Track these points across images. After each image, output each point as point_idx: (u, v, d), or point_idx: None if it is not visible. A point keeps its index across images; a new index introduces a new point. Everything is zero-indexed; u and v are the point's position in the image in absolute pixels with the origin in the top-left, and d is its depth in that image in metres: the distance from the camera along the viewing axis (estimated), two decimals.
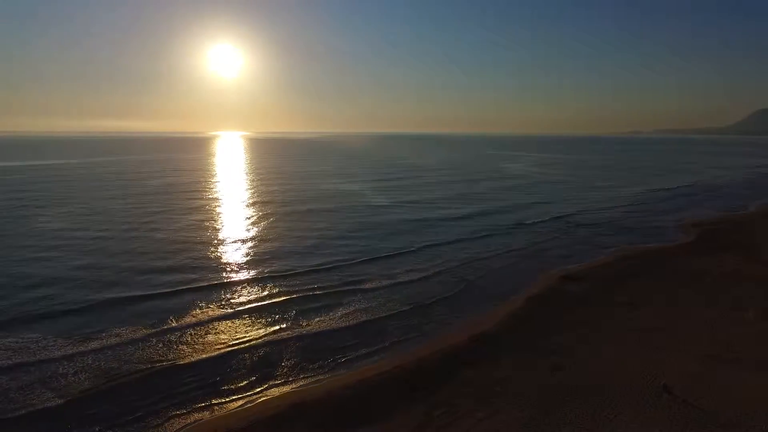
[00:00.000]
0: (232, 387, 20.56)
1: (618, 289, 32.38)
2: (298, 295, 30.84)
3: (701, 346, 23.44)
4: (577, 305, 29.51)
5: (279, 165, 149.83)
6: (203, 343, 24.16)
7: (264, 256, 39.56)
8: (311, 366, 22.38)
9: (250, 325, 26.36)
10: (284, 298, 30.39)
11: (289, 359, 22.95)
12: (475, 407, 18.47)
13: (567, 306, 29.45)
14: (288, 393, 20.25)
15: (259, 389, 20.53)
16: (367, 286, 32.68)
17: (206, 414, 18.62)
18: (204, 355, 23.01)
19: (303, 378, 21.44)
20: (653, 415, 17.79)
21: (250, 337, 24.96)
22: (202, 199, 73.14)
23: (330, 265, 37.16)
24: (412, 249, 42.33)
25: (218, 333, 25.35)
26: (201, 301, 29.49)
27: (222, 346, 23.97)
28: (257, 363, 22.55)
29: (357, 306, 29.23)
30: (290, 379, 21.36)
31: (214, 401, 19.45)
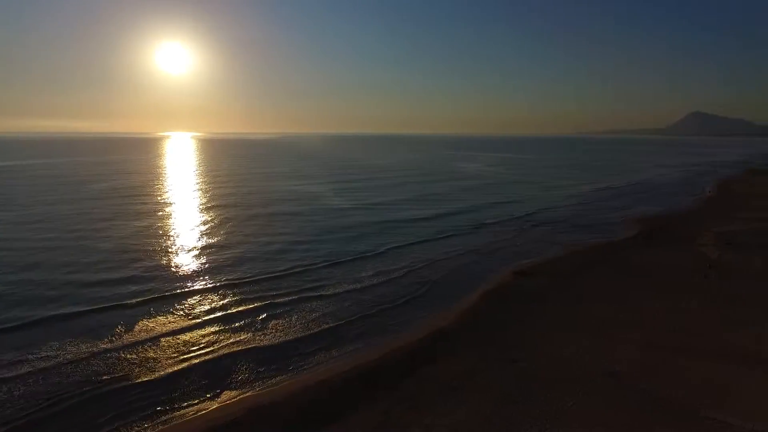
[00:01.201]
0: (186, 399, 19.60)
1: (569, 283, 33.68)
2: (257, 302, 29.71)
3: (650, 335, 24.68)
4: (531, 299, 30.43)
5: (233, 167, 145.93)
6: (156, 357, 22.79)
7: (221, 263, 37.91)
8: (270, 372, 21.83)
9: (206, 336, 25.11)
10: (243, 306, 29.11)
11: (247, 367, 22.20)
12: (437, 403, 18.66)
13: (521, 300, 30.31)
14: (245, 398, 19.73)
15: (214, 398, 19.83)
16: (331, 290, 31.94)
17: (157, 429, 17.80)
18: (156, 369, 21.73)
19: (261, 384, 20.93)
20: (604, 402, 18.56)
21: (207, 348, 23.79)
22: (154, 203, 69.80)
23: (291, 271, 36.03)
24: (377, 252, 41.84)
25: (172, 346, 23.99)
26: (154, 314, 27.74)
27: (176, 358, 22.72)
28: (213, 373, 21.59)
29: (319, 311, 28.59)
30: (248, 386, 20.77)
31: (165, 416, 18.53)
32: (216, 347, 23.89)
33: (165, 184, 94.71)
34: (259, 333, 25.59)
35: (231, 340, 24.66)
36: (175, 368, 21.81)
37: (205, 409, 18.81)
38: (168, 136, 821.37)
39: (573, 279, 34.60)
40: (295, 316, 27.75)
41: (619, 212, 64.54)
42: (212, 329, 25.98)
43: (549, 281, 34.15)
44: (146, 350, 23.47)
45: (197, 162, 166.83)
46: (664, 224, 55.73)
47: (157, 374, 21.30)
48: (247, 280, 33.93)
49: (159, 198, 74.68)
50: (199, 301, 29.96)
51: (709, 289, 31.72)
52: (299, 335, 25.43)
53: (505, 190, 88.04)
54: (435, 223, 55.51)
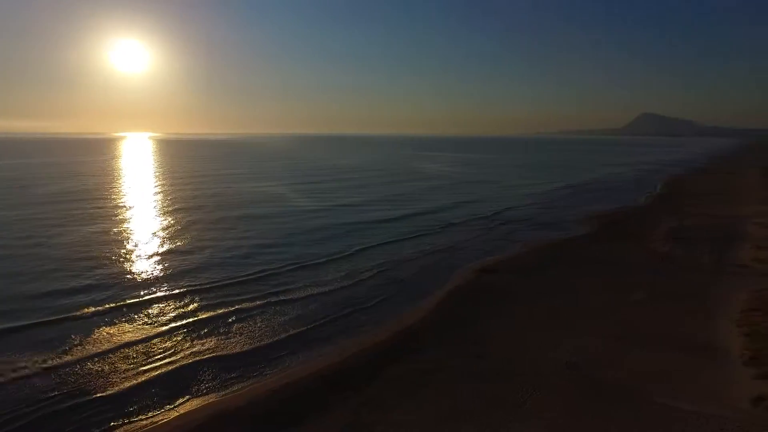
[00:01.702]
0: (145, 411, 18.70)
1: (530, 278, 34.70)
2: (222, 308, 28.77)
3: (605, 327, 25.76)
4: (495, 296, 31.15)
5: (195, 168, 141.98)
6: (113, 370, 21.68)
7: (184, 269, 36.51)
8: (235, 378, 21.31)
9: (168, 345, 24.15)
10: (207, 313, 28.14)
11: (210, 374, 21.56)
12: (403, 401, 18.85)
13: (485, 297, 30.99)
14: (208, 405, 19.30)
15: (175, 408, 19.18)
16: (298, 294, 31.42)
17: None
18: (113, 383, 20.65)
19: (226, 390, 20.48)
20: (564, 393, 19.26)
21: (168, 358, 22.89)
22: (110, 207, 66.47)
23: (258, 275, 35.15)
24: (346, 253, 41.48)
25: (131, 356, 22.95)
26: (112, 324, 26.37)
27: (135, 370, 21.74)
28: (175, 383, 20.79)
29: (287, 315, 28.11)
30: (212, 392, 20.27)
31: (123, 430, 17.82)
32: (178, 356, 23.08)
33: (122, 186, 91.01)
34: (224, 339, 24.94)
35: (194, 348, 23.87)
36: (135, 381, 20.79)
37: (164, 419, 18.30)
38: (124, 137, 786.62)
39: (534, 275, 35.67)
40: (261, 321, 27.21)
41: (577, 210, 66.83)
42: (174, 338, 25.06)
43: (512, 278, 35.07)
44: (103, 363, 22.31)
45: (156, 163, 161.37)
46: (618, 221, 58.20)
47: (114, 388, 20.20)
48: (212, 285, 32.92)
49: (115, 201, 71.45)
50: (161, 309, 28.78)
51: (659, 281, 33.41)
52: (265, 340, 24.97)
53: (469, 190, 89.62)
54: (402, 224, 55.80)
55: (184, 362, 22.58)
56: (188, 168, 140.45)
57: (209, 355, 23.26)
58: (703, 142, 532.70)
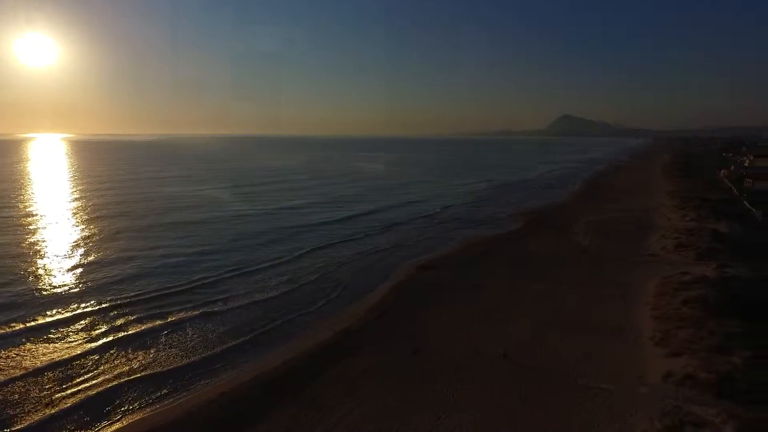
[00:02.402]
0: None
1: (466, 273, 36.02)
2: (152, 323, 26.94)
3: (534, 315, 27.26)
4: (432, 291, 32.04)
5: (117, 171, 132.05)
6: (25, 398, 19.67)
7: (110, 281, 33.65)
8: (167, 393, 20.17)
9: (88, 367, 22.21)
10: (135, 328, 26.18)
11: (140, 392, 20.21)
12: (343, 401, 18.90)
13: (423, 293, 31.77)
14: (138, 421, 18.31)
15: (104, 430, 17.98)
16: (238, 302, 30.16)
17: None
18: (25, 414, 18.69)
19: (158, 406, 19.35)
20: (498, 381, 20.19)
21: (88, 381, 20.96)
22: (22, 215, 59.61)
23: (196, 284, 33.34)
24: (290, 258, 40.61)
25: (46, 382, 20.85)
26: (25, 346, 23.98)
27: (49, 397, 19.71)
28: (97, 408, 19.09)
29: (225, 325, 26.86)
30: (143, 410, 19.11)
31: None
32: (100, 378, 21.18)
33: (34, 192, 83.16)
34: (154, 356, 23.41)
35: (120, 369, 21.99)
36: (49, 410, 18.68)
37: None
38: (32, 138, 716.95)
39: (469, 269, 37.05)
40: (196, 333, 25.87)
41: (508, 207, 70.16)
42: (97, 358, 23.04)
43: (448, 273, 36.19)
44: (12, 391, 19.93)
45: (73, 167, 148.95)
46: (545, 216, 61.76)
47: (24, 421, 17.96)
48: (142, 298, 30.60)
49: (27, 209, 63.99)
50: (82, 327, 26.31)
51: (581, 271, 35.88)
52: (200, 353, 23.73)
53: (408, 190, 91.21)
54: (345, 226, 55.70)
55: (109, 385, 20.75)
56: (110, 171, 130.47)
57: (139, 374, 21.64)
58: (618, 143, 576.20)
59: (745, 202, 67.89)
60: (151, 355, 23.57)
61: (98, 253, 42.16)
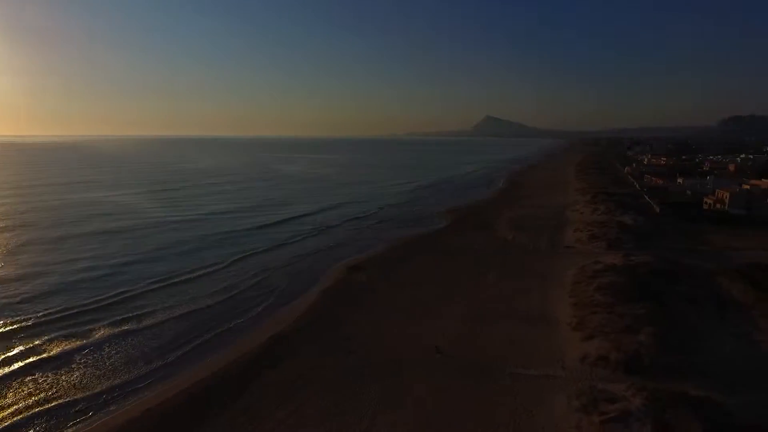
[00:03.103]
0: None
1: (396, 272, 36.55)
2: (72, 342, 24.83)
3: (463, 309, 28.25)
4: (363, 291, 32.19)
5: (18, 176, 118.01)
6: None
7: (22, 299, 30.58)
8: (80, 420, 18.64)
9: None
10: (54, 349, 24.04)
11: (47, 425, 18.50)
12: (278, 407, 18.44)
13: (355, 293, 31.83)
14: None
15: None
16: (163, 316, 28.40)
17: None
18: None
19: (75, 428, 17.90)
20: (432, 375, 20.70)
21: None
22: None
23: (114, 299, 30.89)
24: (220, 266, 38.77)
25: None
26: None
27: None
28: None
29: (150, 342, 25.15)
30: None
31: None
32: (7, 410, 19.19)
33: None
34: (69, 379, 21.48)
35: (27, 399, 19.96)
36: None
37: None
38: None
39: (399, 268, 37.63)
40: (119, 351, 24.04)
41: (436, 206, 72.11)
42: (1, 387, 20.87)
43: (379, 272, 36.53)
44: None
45: None
46: (470, 213, 64.27)
47: None
48: (57, 316, 27.90)
49: None
50: None
51: (506, 265, 37.75)
52: (122, 371, 22.12)
53: (339, 191, 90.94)
54: (277, 230, 54.27)
55: (14, 418, 18.64)
56: (13, 176, 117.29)
57: (48, 405, 19.56)
58: (538, 143, 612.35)
59: (645, 196, 75.08)
60: (65, 380, 21.59)
61: (2, 269, 37.71)
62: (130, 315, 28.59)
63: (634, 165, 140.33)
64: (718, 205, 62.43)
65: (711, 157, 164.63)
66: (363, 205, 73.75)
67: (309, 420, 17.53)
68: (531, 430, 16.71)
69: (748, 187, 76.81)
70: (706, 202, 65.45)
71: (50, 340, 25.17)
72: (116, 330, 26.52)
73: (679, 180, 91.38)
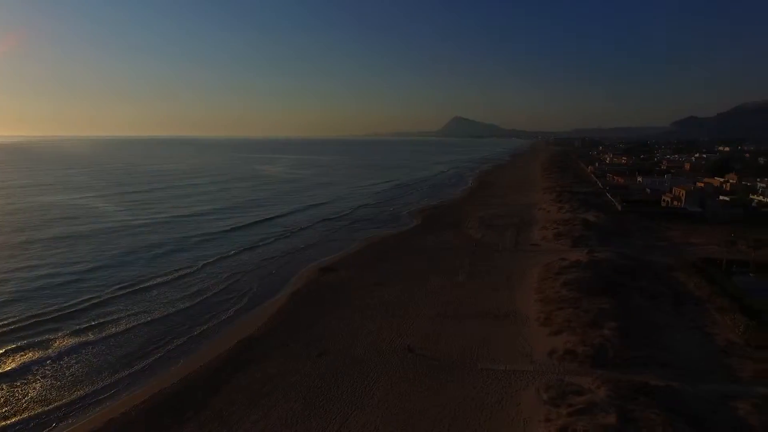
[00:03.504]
0: None
1: (367, 272, 36.57)
2: (33, 353, 23.76)
3: (434, 307, 28.52)
4: (335, 292, 32.06)
5: None
6: None
7: None
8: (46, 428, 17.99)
9: None
10: (12, 362, 22.99)
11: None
12: (248, 411, 18.16)
13: (326, 295, 31.67)
14: None
15: None
16: (130, 323, 27.47)
17: None
18: None
19: None
20: (403, 374, 20.81)
21: None
22: None
23: (80, 306, 29.79)
24: (191, 270, 37.88)
25: None
26: None
27: None
28: None
29: (117, 350, 24.37)
30: None
31: None
32: None
33: None
34: (26, 393, 20.54)
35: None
36: None
37: None
38: None
39: (370, 268, 37.66)
40: (82, 361, 23.16)
41: (408, 206, 72.58)
42: None
43: (350, 274, 36.44)
44: None
45: None
46: (440, 213, 64.95)
47: None
48: (19, 326, 26.72)
49: None
50: None
51: (475, 263, 38.33)
52: (85, 381, 21.30)
53: (315, 192, 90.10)
54: (250, 232, 53.28)
55: None
56: None
57: (3, 422, 18.68)
58: (504, 143, 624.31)
59: (608, 194, 77.65)
60: (21, 394, 20.64)
61: None
62: (95, 323, 27.56)
63: (596, 164, 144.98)
64: (675, 203, 65.21)
65: (668, 157, 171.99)
66: (335, 206, 73.44)
67: (279, 425, 17.33)
68: (501, 424, 17.04)
69: (702, 185, 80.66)
70: (664, 200, 68.27)
71: (7, 353, 24.02)
72: (79, 339, 25.53)
73: (639, 178, 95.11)
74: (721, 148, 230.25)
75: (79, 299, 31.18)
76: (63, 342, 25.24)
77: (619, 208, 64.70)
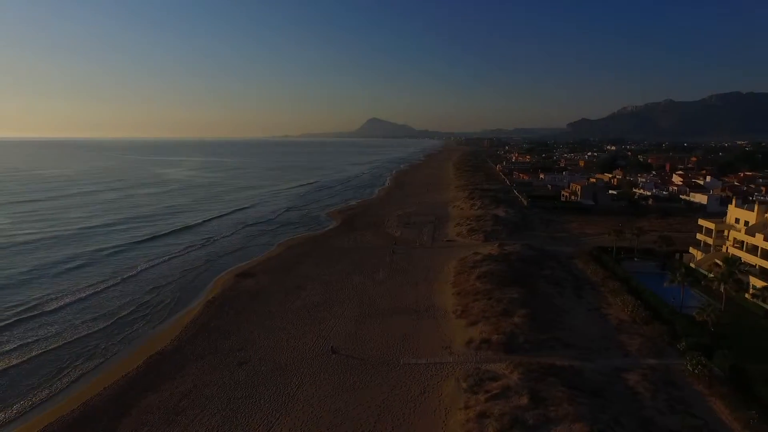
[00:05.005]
0: None
1: (286, 275, 35.83)
2: None
3: (356, 307, 28.65)
4: (253, 299, 30.98)
5: None
6: None
7: None
8: None
9: None
10: None
11: None
12: (164, 431, 17.03)
13: (243, 301, 30.51)
14: None
15: None
16: (23, 354, 24.36)
17: None
18: None
19: None
20: (328, 375, 20.67)
21: None
22: None
23: None
24: (99, 288, 34.64)
25: None
26: None
27: None
28: None
29: (16, 378, 21.95)
30: None
31: None
32: None
33: None
34: None
35: None
36: None
37: None
38: None
39: (290, 272, 36.93)
40: None
41: (327, 207, 72.21)
42: None
43: (268, 277, 35.46)
44: None
45: None
46: (360, 213, 65.42)
47: None
48: None
49: None
50: None
51: (395, 260, 39.10)
52: None
53: (231, 197, 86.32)
54: (162, 243, 49.52)
55: None
56: None
57: None
58: (418, 143, 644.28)
59: (515, 191, 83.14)
60: None
61: None
62: None
63: (504, 163, 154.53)
64: (572, 197, 71.43)
65: (566, 155, 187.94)
66: (258, 210, 71.37)
67: None
68: (424, 414, 17.58)
69: (594, 180, 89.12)
70: (563, 195, 74.49)
71: None
72: None
73: (542, 176, 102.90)
74: (608, 147, 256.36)
75: None
76: None
77: (525, 203, 69.53)
